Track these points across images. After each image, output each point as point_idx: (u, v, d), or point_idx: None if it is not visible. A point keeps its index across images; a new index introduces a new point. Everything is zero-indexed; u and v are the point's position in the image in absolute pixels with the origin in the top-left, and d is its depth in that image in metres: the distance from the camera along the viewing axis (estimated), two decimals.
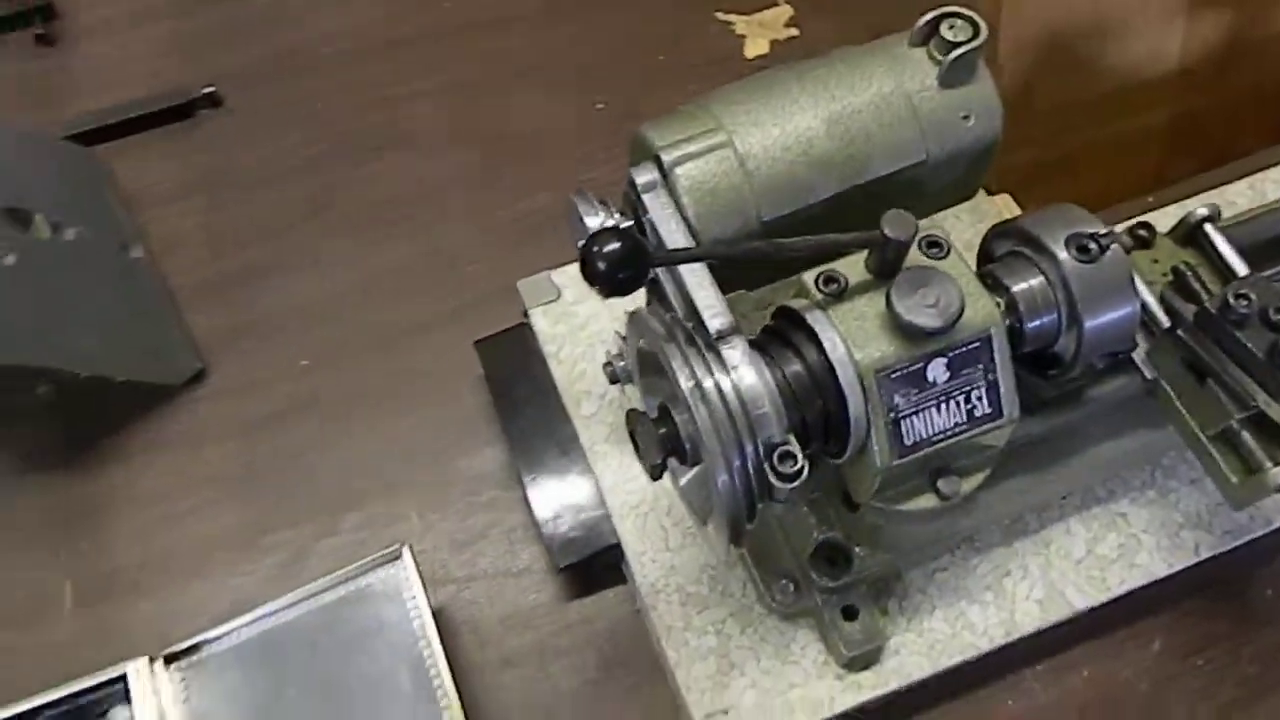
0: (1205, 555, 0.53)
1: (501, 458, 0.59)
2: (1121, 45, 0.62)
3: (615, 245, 0.35)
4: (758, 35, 0.76)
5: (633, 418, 0.42)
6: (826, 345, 0.40)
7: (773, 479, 0.39)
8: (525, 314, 0.60)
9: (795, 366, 0.40)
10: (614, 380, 0.52)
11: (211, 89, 0.71)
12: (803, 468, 0.39)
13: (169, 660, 0.50)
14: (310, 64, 0.75)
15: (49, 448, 0.60)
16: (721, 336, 0.40)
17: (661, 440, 0.41)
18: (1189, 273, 0.48)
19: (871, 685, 0.50)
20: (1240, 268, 0.47)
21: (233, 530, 0.57)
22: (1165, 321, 0.46)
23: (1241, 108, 0.69)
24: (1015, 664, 0.53)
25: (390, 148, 0.71)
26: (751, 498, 0.39)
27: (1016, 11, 0.55)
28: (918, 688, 0.52)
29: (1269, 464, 0.44)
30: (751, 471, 0.39)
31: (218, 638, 0.50)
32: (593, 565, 0.55)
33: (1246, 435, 0.45)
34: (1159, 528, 0.54)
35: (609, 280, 0.35)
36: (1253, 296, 0.43)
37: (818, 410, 0.41)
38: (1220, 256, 0.48)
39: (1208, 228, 0.49)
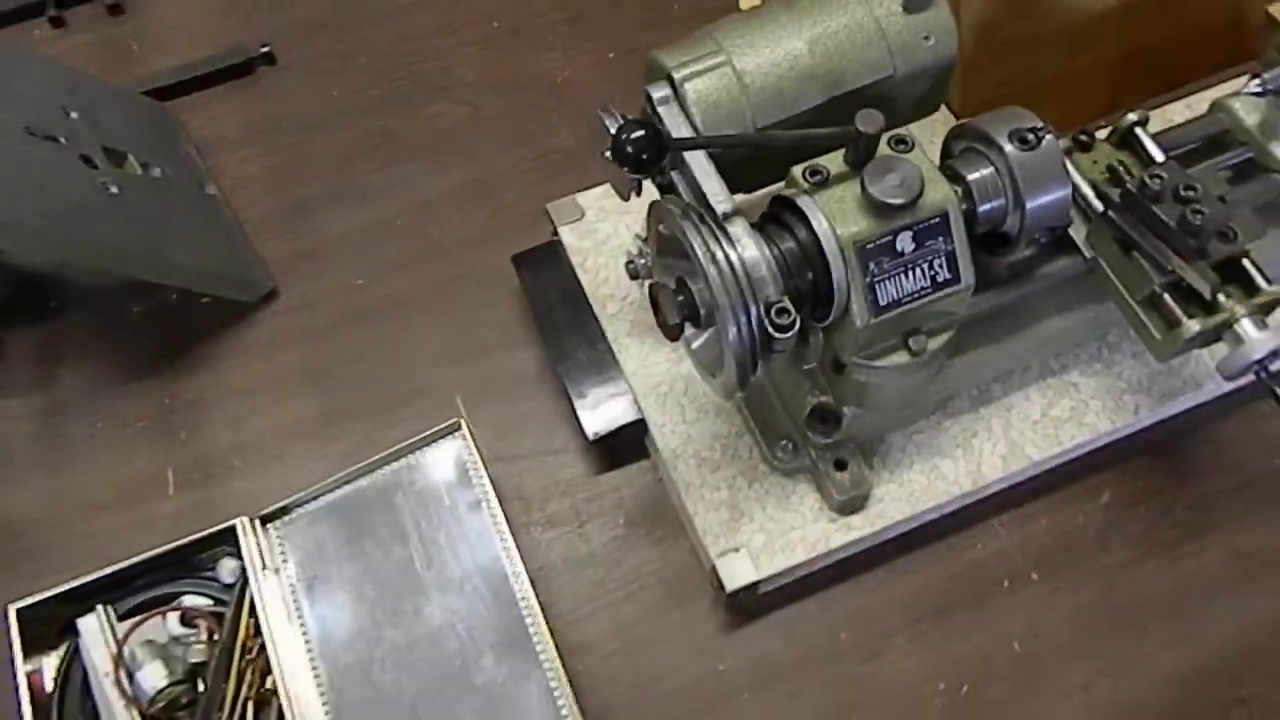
0: (1145, 417, 0.62)
1: (537, 356, 0.68)
2: None
3: (640, 132, 0.44)
4: None
5: (655, 289, 0.51)
6: (813, 223, 0.48)
7: (771, 331, 0.48)
8: (555, 232, 0.69)
9: (789, 243, 0.49)
10: (634, 276, 0.60)
11: (267, 48, 0.80)
12: (795, 321, 0.48)
13: (265, 521, 0.60)
14: (356, 17, 0.84)
15: (147, 357, 0.69)
16: (727, 217, 0.49)
17: (679, 305, 0.50)
18: (1120, 167, 0.57)
19: (859, 527, 0.59)
20: (1159, 156, 0.56)
21: (307, 421, 0.67)
22: (1099, 206, 0.55)
23: (1186, 41, 0.77)
24: (984, 514, 0.63)
25: (433, 93, 0.80)
26: (755, 348, 0.48)
27: None
28: (899, 535, 0.61)
29: (1185, 320, 0.53)
30: (755, 325, 0.48)
31: (305, 500, 0.60)
32: (619, 440, 0.64)
33: (1166, 297, 0.54)
34: (1105, 393, 0.62)
35: (636, 160, 0.44)
36: (1165, 176, 0.52)
37: (808, 279, 0.49)
38: (1146, 151, 0.57)
39: (1137, 130, 0.58)
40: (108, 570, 0.57)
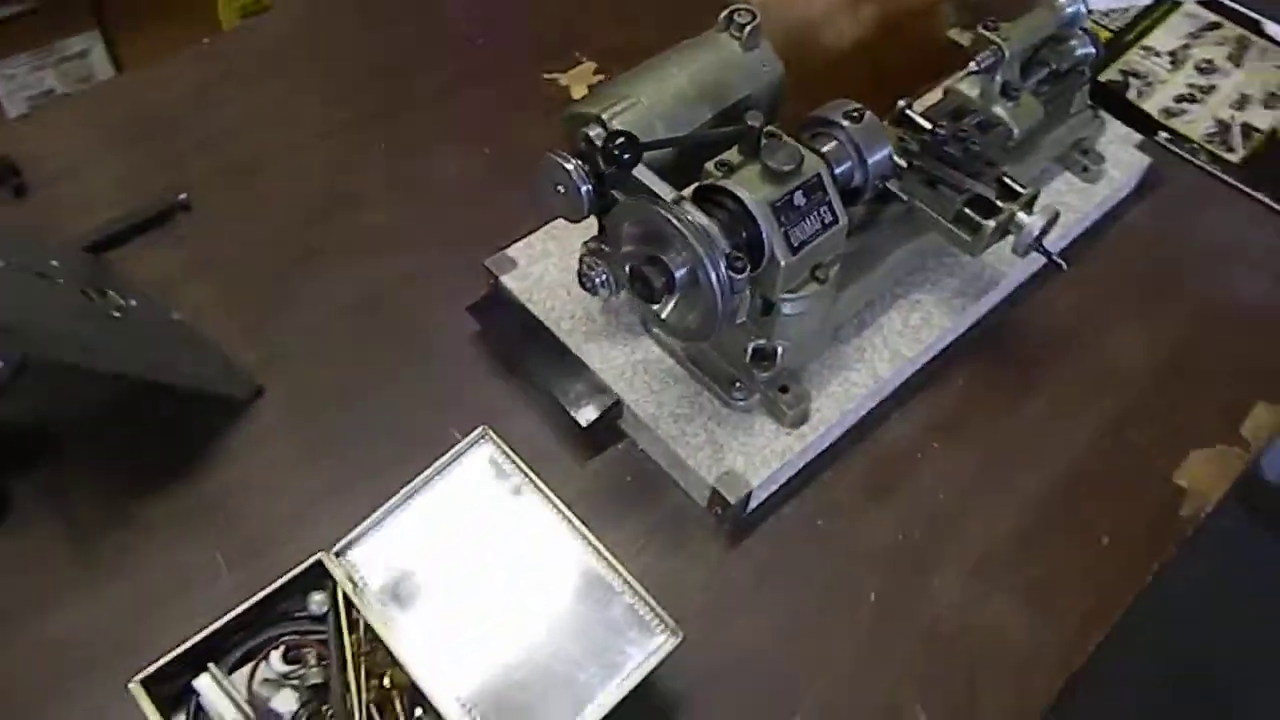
0: (971, 312, 0.85)
1: (509, 384, 0.81)
2: (818, 34, 0.95)
3: (622, 138, 0.60)
4: (578, 83, 1.04)
5: (638, 269, 0.66)
6: (740, 195, 0.66)
7: (733, 274, 0.64)
8: (495, 282, 0.83)
9: (721, 214, 0.67)
10: (588, 286, 0.76)
11: (184, 195, 0.89)
12: (746, 265, 0.65)
13: (337, 555, 0.67)
14: (257, 160, 0.95)
15: (156, 469, 0.74)
16: (678, 201, 0.66)
17: (658, 274, 0.65)
18: (901, 139, 0.80)
19: (809, 434, 0.76)
20: (928, 125, 0.79)
21: (331, 486, 0.74)
22: (903, 163, 0.77)
23: (910, 63, 1.05)
24: (888, 409, 0.82)
25: (350, 204, 0.92)
26: (726, 288, 0.65)
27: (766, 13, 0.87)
28: (835, 439, 0.79)
29: (983, 222, 0.76)
30: (724, 270, 0.64)
31: (365, 532, 0.68)
32: (600, 425, 0.77)
33: (967, 210, 0.76)
34: (940, 303, 0.84)
35: (619, 160, 0.60)
36: (945, 128, 0.75)
37: (742, 237, 0.67)
38: (915, 123, 0.80)
39: (908, 112, 0.81)
40: (208, 630, 0.62)
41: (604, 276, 0.76)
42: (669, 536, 0.74)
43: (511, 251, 0.84)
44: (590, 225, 0.78)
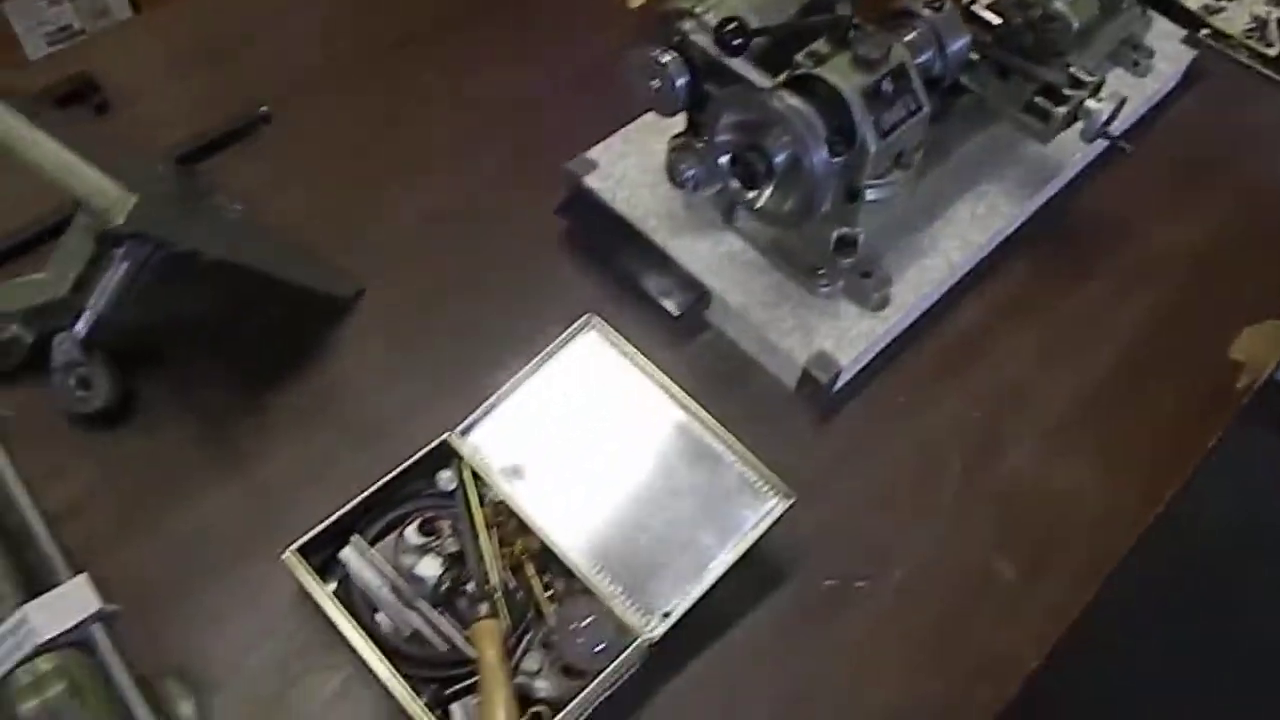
0: (1036, 199, 0.88)
1: (596, 281, 0.84)
2: None
3: (735, 23, 0.63)
4: None
5: (740, 156, 0.69)
6: (834, 81, 0.69)
7: (831, 157, 0.68)
8: (578, 184, 0.86)
9: (815, 102, 0.70)
10: (677, 181, 0.79)
11: (265, 109, 0.91)
12: (842, 149, 0.68)
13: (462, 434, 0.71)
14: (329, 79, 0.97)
15: (271, 364, 0.78)
16: (774, 89, 0.69)
17: (759, 160, 0.69)
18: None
19: (890, 316, 0.80)
20: (994, 18, 0.82)
21: (438, 380, 0.78)
22: (974, 55, 0.80)
23: None
24: (958, 294, 0.85)
25: (423, 108, 0.95)
26: (824, 172, 0.68)
27: None
28: (912, 321, 0.83)
29: (1054, 109, 0.79)
30: (824, 154, 0.67)
31: (481, 417, 0.72)
32: (690, 313, 0.81)
33: (1038, 100, 0.79)
34: (1005, 193, 0.88)
35: (731, 45, 0.63)
36: (1021, 19, 0.78)
37: (834, 124, 0.70)
38: (980, 18, 0.83)
39: (973, 6, 0.84)
40: (349, 505, 0.66)
41: (693, 170, 0.79)
42: (760, 417, 0.78)
43: (592, 154, 0.87)
44: (667, 127, 0.81)
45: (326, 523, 0.66)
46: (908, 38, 0.75)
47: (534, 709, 0.62)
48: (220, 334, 0.79)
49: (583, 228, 0.86)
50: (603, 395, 0.73)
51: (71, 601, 0.55)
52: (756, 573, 0.69)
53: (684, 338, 0.82)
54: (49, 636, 0.53)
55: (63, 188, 0.61)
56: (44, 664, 0.53)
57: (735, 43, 0.64)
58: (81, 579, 0.55)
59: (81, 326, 0.70)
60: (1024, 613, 0.71)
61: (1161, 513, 0.77)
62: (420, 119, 0.95)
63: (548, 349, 0.74)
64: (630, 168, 0.86)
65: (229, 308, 0.79)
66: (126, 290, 0.70)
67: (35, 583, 0.57)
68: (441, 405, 0.75)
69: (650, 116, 0.89)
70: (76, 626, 0.54)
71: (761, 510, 0.68)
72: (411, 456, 0.69)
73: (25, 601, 0.55)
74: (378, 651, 0.61)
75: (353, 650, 0.64)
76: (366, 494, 0.67)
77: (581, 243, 0.86)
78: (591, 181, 0.85)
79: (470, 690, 0.63)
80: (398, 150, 0.93)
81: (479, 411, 0.72)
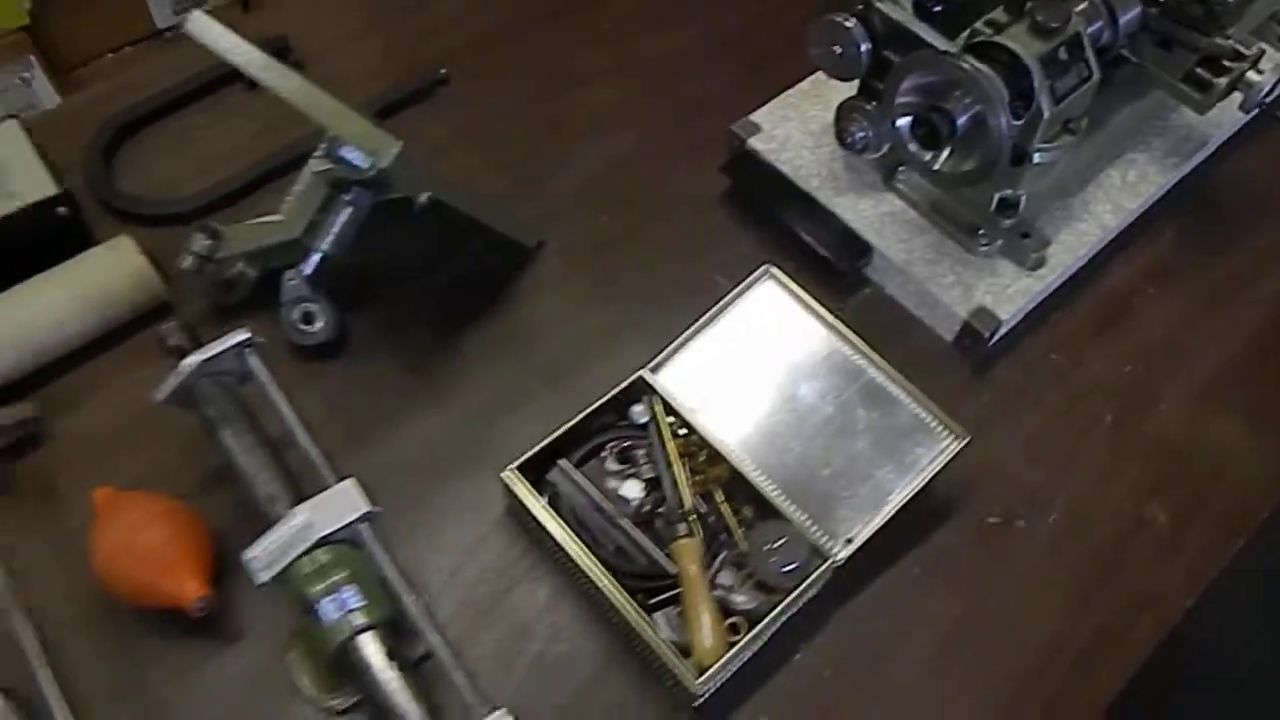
0: (1183, 167, 0.92)
1: (758, 237, 0.89)
2: None
3: None
4: None
5: (927, 116, 0.74)
6: (1015, 48, 0.73)
7: (1015, 120, 0.72)
8: (741, 145, 0.91)
9: (996, 67, 0.74)
10: (848, 143, 0.84)
11: (444, 71, 0.97)
12: (1022, 111, 0.72)
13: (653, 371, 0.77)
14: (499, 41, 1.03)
15: (466, 308, 0.84)
16: (957, 54, 0.73)
17: (948, 120, 0.73)
18: None
19: (1046, 275, 0.84)
20: None
21: (618, 324, 0.84)
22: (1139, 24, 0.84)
23: None
24: (1107, 255, 0.89)
25: (581, 83, 1.00)
26: (1008, 134, 0.72)
27: None
28: (1066, 279, 0.87)
29: (1214, 80, 0.82)
30: (1007, 115, 0.71)
31: (667, 359, 0.77)
32: (853, 269, 0.86)
33: (1199, 70, 0.83)
34: (1154, 161, 0.91)
35: (931, 10, 0.68)
36: None
37: (1014, 89, 0.74)
38: None
39: None
40: (557, 433, 0.73)
41: (864, 132, 0.83)
42: (918, 369, 0.82)
43: (755, 117, 0.92)
44: (824, 94, 0.85)
45: (539, 446, 0.72)
46: (1080, 7, 0.78)
47: (731, 620, 0.68)
48: (421, 278, 0.86)
49: (747, 186, 0.91)
50: (781, 340, 0.78)
51: (342, 502, 0.61)
52: (926, 508, 0.75)
53: (844, 292, 0.87)
54: (327, 532, 0.60)
55: (333, 132, 0.68)
56: (322, 556, 0.60)
57: (936, 9, 0.68)
58: (350, 483, 0.62)
59: (309, 266, 0.77)
60: (1177, 555, 0.76)
61: None
62: (583, 81, 1.01)
63: (729, 295, 0.79)
64: (793, 130, 0.91)
65: (430, 253, 0.85)
66: (349, 233, 0.77)
67: (301, 486, 0.64)
68: (622, 347, 0.81)
69: (807, 83, 0.94)
70: (348, 525, 0.61)
71: (936, 449, 0.73)
72: (606, 393, 0.75)
73: (295, 504, 0.62)
74: (593, 559, 0.68)
75: (561, 562, 0.70)
76: (572, 422, 0.73)
77: (745, 200, 0.91)
78: (755, 143, 0.90)
79: (670, 602, 0.69)
80: (564, 111, 0.98)
81: (666, 352, 0.77)
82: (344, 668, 0.60)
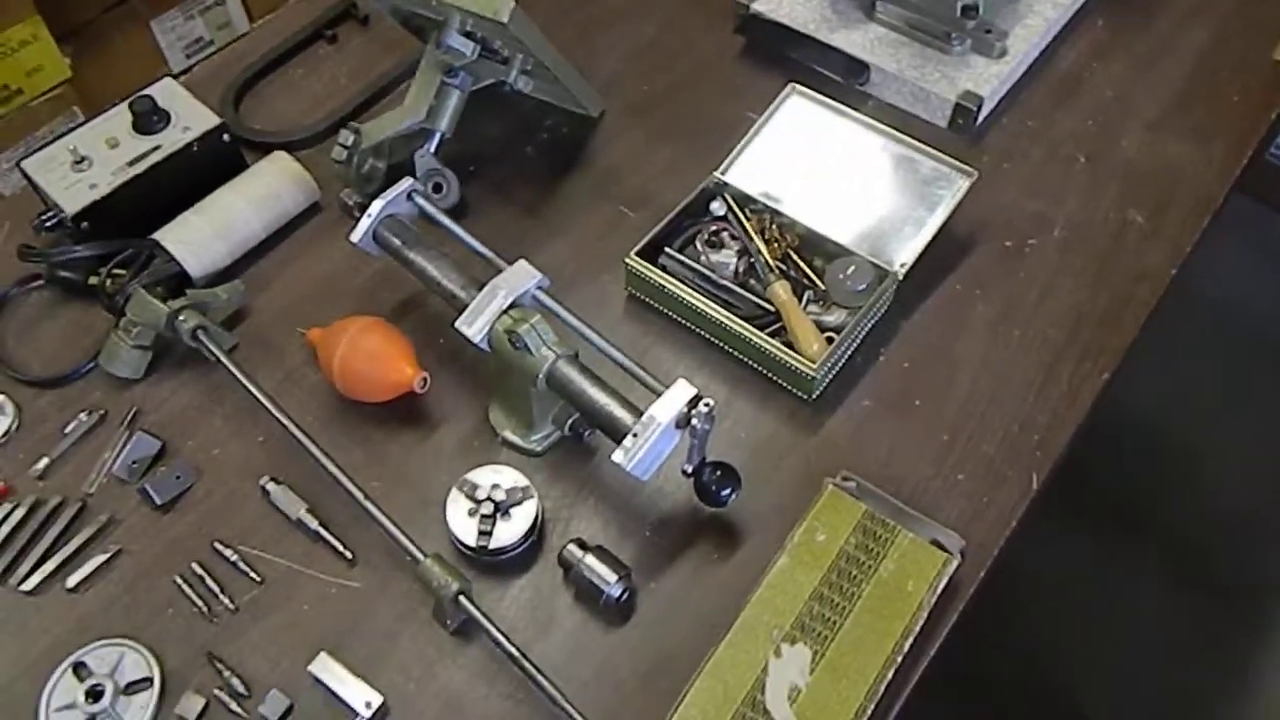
0: None
1: (774, 76, 1.08)
2: None
3: None
4: None
5: None
6: None
7: None
8: (747, 8, 1.10)
9: None
10: None
11: None
12: None
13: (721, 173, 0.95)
14: None
15: (557, 165, 1.03)
16: None
17: None
18: None
19: (1010, 60, 1.04)
20: None
21: (674, 161, 1.03)
22: None
23: None
24: (1055, 45, 1.10)
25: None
26: None
27: None
28: (1028, 67, 1.06)
29: None
30: None
31: (730, 164, 0.96)
32: (855, 81, 1.06)
33: None
34: None
35: None
36: None
37: None
38: None
39: None
40: (657, 227, 0.91)
41: None
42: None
43: None
44: None
45: (648, 237, 0.90)
46: None
47: (825, 334, 0.86)
48: (514, 154, 1.04)
49: (758, 40, 1.10)
50: (815, 134, 0.97)
51: (521, 274, 0.79)
52: (954, 241, 0.94)
53: (852, 107, 1.06)
54: (519, 293, 0.78)
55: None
56: (515, 314, 0.78)
57: None
58: (522, 262, 0.80)
59: (432, 143, 0.96)
60: (1158, 239, 0.95)
61: (1247, 163, 1.01)
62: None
63: (766, 112, 0.98)
64: None
65: (515, 134, 1.04)
66: (459, 112, 0.96)
67: (479, 273, 0.82)
68: (686, 171, 1.00)
69: None
70: (527, 291, 0.79)
71: (954, 187, 0.92)
72: (686, 196, 0.94)
73: (481, 285, 0.80)
74: (711, 302, 0.86)
75: (683, 321, 0.89)
76: (667, 219, 0.92)
77: (758, 53, 1.11)
78: (758, 6, 1.10)
79: (777, 333, 0.87)
80: (591, 13, 1.17)
81: (727, 160, 0.96)
82: (553, 390, 0.77)
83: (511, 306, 0.79)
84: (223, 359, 0.84)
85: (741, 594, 0.75)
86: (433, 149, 0.96)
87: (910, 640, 0.72)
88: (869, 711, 0.69)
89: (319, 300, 0.94)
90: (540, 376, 0.77)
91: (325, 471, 0.78)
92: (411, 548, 0.74)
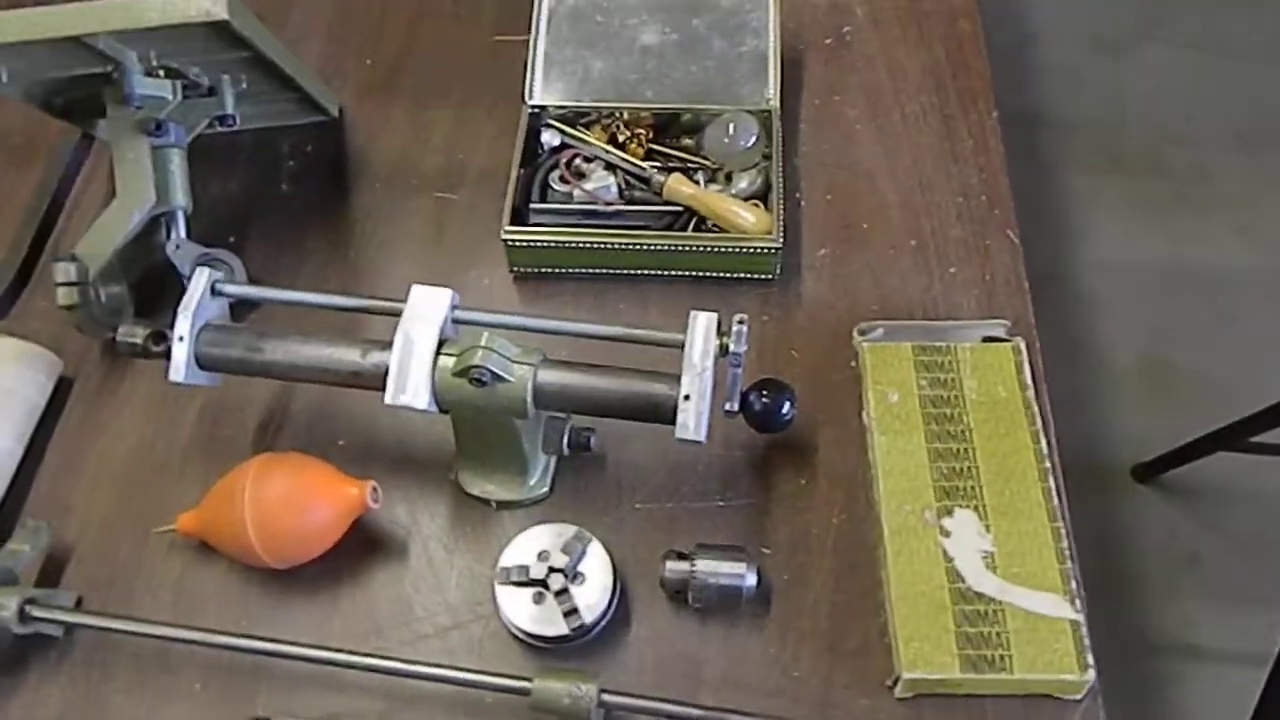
0: None
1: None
2: None
3: None
4: None
5: None
6: None
7: None
8: None
9: None
10: None
11: None
12: None
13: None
14: None
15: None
16: None
17: None
18: None
19: None
20: None
21: (464, 112, 0.86)
22: None
23: None
24: None
25: None
26: None
27: None
28: None
29: None
30: None
31: (535, 76, 0.81)
32: None
33: None
34: None
35: None
36: None
37: None
38: None
39: None
40: (508, 190, 0.75)
41: None
42: None
43: None
44: None
45: (508, 200, 0.74)
46: None
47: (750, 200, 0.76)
48: (267, 194, 0.82)
49: None
50: (595, 16, 0.84)
51: (430, 305, 0.61)
52: (795, 72, 0.86)
53: None
54: (439, 326, 0.60)
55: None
56: (453, 349, 0.60)
57: None
58: (415, 288, 0.62)
59: (180, 229, 0.71)
60: None
61: None
62: None
63: (532, 19, 0.83)
64: None
65: (256, 172, 0.82)
66: (188, 178, 0.72)
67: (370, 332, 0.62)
68: (477, 125, 0.85)
69: None
70: (447, 318, 0.61)
71: (761, 3, 0.83)
72: (505, 148, 0.78)
73: (383, 344, 0.61)
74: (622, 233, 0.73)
75: (595, 267, 0.74)
76: (512, 176, 0.75)
77: None
78: None
79: (699, 226, 0.75)
80: None
81: (526, 87, 0.80)
82: (546, 409, 0.61)
83: (441, 344, 0.60)
84: (86, 622, 0.59)
85: (857, 502, 0.65)
86: (183, 233, 0.72)
87: (1043, 441, 0.65)
88: (1062, 532, 0.62)
89: (147, 483, 0.68)
90: (528, 401, 0.60)
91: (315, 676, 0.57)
92: (498, 680, 0.56)
